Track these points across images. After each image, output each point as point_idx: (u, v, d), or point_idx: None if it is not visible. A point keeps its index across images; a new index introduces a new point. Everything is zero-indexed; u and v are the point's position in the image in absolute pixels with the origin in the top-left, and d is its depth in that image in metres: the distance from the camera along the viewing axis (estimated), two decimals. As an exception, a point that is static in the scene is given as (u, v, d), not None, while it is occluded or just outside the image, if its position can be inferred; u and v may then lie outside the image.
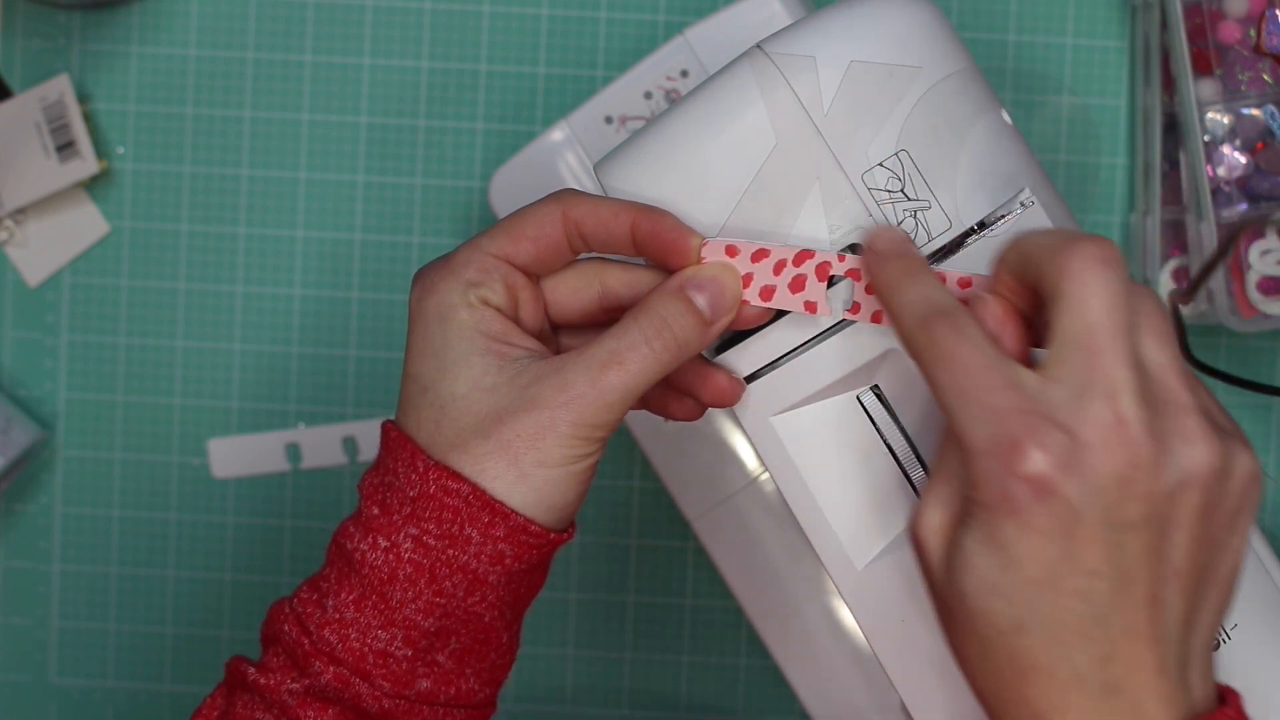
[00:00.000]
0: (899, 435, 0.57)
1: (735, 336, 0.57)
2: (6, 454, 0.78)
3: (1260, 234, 0.75)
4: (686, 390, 0.57)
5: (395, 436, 0.55)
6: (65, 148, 0.79)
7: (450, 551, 0.53)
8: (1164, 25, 0.75)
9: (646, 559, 0.81)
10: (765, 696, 0.81)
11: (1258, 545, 0.59)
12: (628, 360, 0.53)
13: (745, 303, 0.54)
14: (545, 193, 0.67)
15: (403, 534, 0.53)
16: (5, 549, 0.82)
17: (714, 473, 0.75)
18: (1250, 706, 0.50)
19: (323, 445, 0.82)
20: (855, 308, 0.54)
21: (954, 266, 0.55)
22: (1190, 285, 0.48)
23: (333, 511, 0.82)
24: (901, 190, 0.54)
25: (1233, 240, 0.47)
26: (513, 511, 0.53)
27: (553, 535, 0.54)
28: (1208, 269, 0.48)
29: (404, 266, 0.81)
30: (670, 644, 0.81)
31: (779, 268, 0.54)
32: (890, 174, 0.54)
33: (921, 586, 0.51)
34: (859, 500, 0.57)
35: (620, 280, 0.56)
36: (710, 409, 0.58)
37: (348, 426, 0.81)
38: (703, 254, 0.54)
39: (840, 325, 0.55)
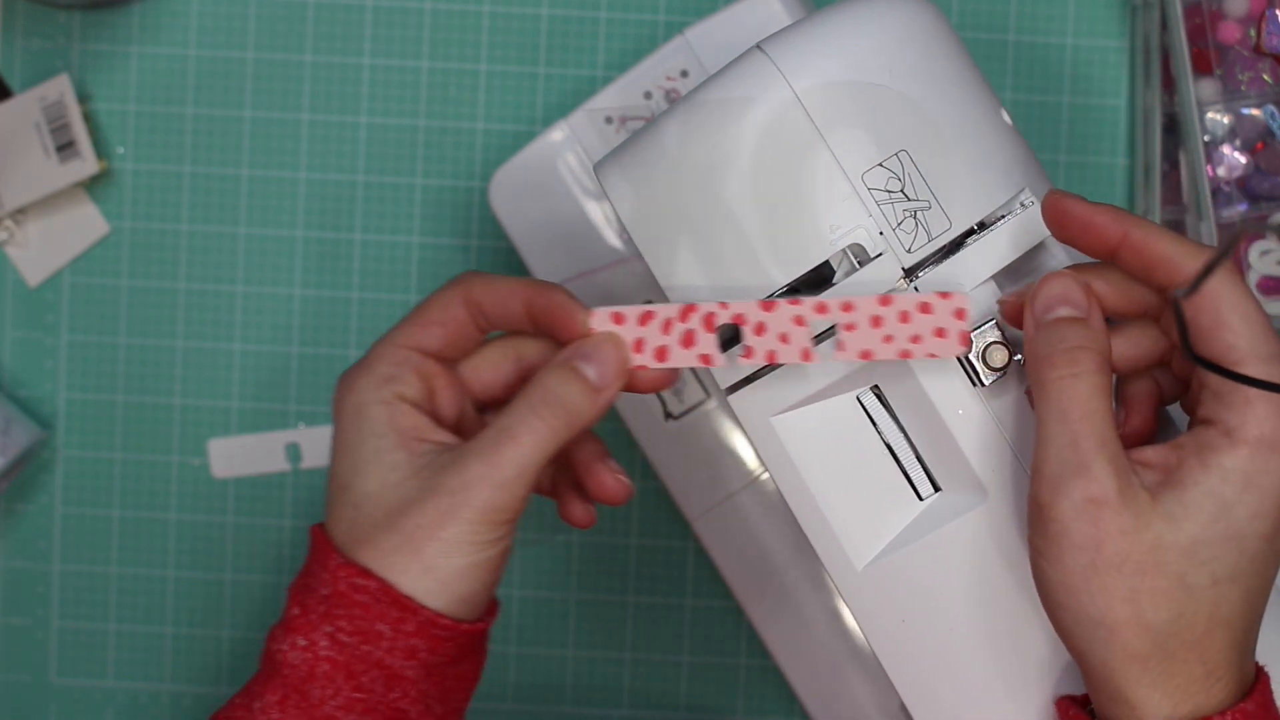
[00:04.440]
0: (899, 435, 0.57)
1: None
2: (6, 454, 0.78)
3: (1260, 234, 0.75)
4: (578, 480, 0.58)
5: (315, 537, 0.55)
6: (65, 148, 0.79)
7: (365, 648, 0.53)
8: (1164, 25, 0.75)
9: (646, 559, 0.81)
10: (765, 696, 0.81)
11: None
12: (519, 433, 0.52)
13: (642, 367, 0.54)
14: (545, 193, 0.66)
15: (319, 632, 0.53)
16: (5, 549, 0.82)
17: (714, 473, 0.75)
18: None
19: (323, 445, 0.82)
20: (841, 345, 0.53)
21: (954, 267, 0.55)
22: (1192, 284, 0.48)
23: (333, 511, 0.82)
24: (901, 190, 0.54)
25: (1234, 241, 0.47)
26: (421, 606, 0.53)
27: (464, 626, 0.54)
28: (1209, 269, 0.48)
29: (404, 266, 0.81)
30: (670, 644, 0.81)
31: (667, 326, 0.54)
32: (890, 174, 0.54)
33: (914, 586, 0.51)
34: (859, 500, 0.57)
35: (534, 350, 0.57)
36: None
37: (348, 426, 0.81)
38: (591, 324, 0.54)
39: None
